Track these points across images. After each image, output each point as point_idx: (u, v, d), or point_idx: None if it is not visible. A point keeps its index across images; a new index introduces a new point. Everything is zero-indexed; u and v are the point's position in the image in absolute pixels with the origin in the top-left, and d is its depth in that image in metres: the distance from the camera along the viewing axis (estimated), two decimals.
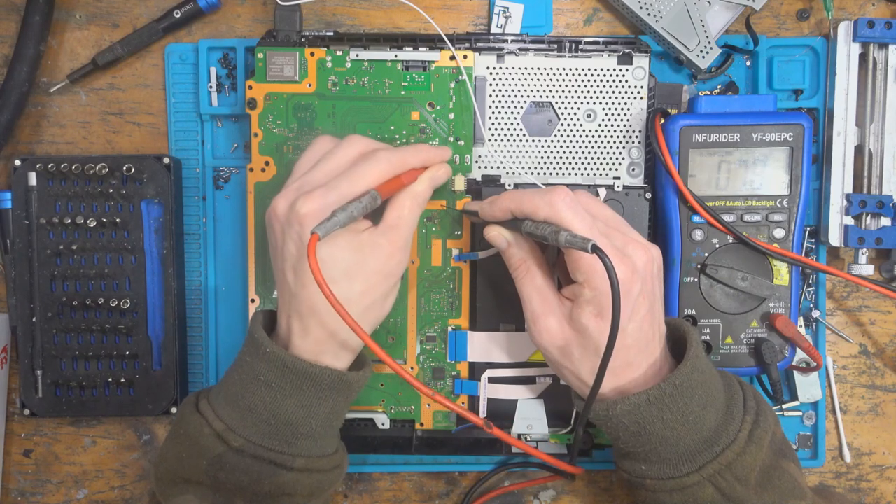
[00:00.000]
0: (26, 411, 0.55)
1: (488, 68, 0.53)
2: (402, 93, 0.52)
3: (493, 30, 0.55)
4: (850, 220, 0.54)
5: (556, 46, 0.53)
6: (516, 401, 0.54)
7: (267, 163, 0.52)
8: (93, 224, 0.54)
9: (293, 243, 0.44)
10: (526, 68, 0.53)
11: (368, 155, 0.46)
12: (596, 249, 0.38)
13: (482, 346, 0.53)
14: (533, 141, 0.53)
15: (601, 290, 0.42)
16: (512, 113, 0.53)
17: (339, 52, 0.52)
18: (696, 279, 0.52)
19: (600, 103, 0.53)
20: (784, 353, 0.52)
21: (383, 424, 0.55)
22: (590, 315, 0.43)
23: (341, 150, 0.46)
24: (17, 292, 0.55)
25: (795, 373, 0.56)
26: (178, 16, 0.55)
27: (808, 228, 0.56)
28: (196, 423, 0.45)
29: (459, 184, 0.52)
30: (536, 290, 0.45)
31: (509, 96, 0.53)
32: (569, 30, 0.57)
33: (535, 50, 0.53)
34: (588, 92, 0.53)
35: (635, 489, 0.46)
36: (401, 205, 0.46)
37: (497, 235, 0.46)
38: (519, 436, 0.55)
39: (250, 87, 0.52)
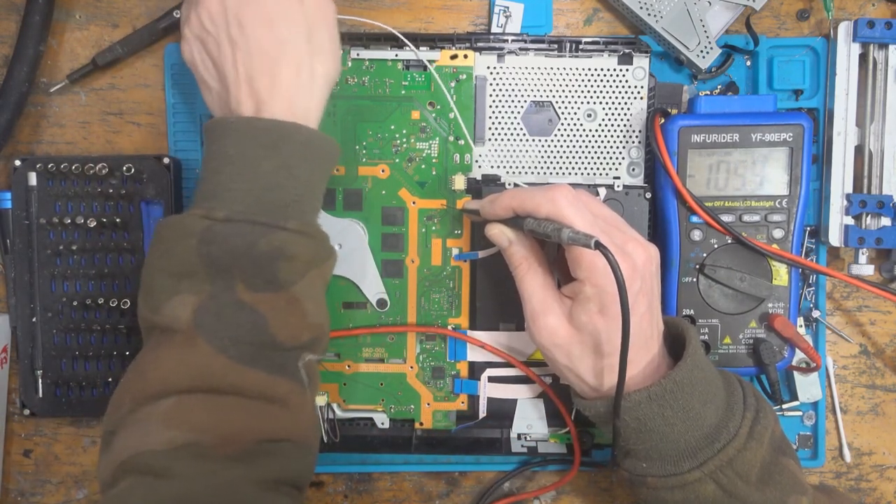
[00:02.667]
0: (26, 411, 0.55)
1: (488, 68, 0.53)
2: (403, 92, 0.53)
3: (494, 30, 0.55)
4: (850, 220, 0.54)
5: (556, 46, 0.53)
6: (516, 400, 0.54)
7: None
8: (93, 224, 0.54)
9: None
10: (526, 68, 0.53)
11: None
12: (599, 246, 0.38)
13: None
14: (533, 140, 0.53)
15: (602, 287, 0.42)
16: (512, 113, 0.53)
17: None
18: (694, 279, 0.52)
19: (600, 103, 0.53)
20: (783, 354, 0.52)
21: (383, 424, 0.55)
22: (590, 312, 0.43)
23: None
24: (17, 292, 0.55)
25: (795, 373, 0.56)
26: (178, 16, 0.55)
27: (809, 228, 0.56)
28: (177, 219, 0.43)
29: (459, 183, 0.52)
30: (537, 288, 0.45)
31: (509, 96, 0.53)
32: (569, 30, 0.57)
33: (536, 50, 0.53)
34: (588, 92, 0.53)
35: (636, 487, 0.47)
36: None
37: (499, 234, 0.46)
38: (519, 435, 0.55)
39: None
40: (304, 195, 0.44)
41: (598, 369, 0.44)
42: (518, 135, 0.53)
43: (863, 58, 0.54)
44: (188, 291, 0.42)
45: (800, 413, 0.57)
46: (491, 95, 0.53)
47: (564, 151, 0.54)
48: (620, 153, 0.54)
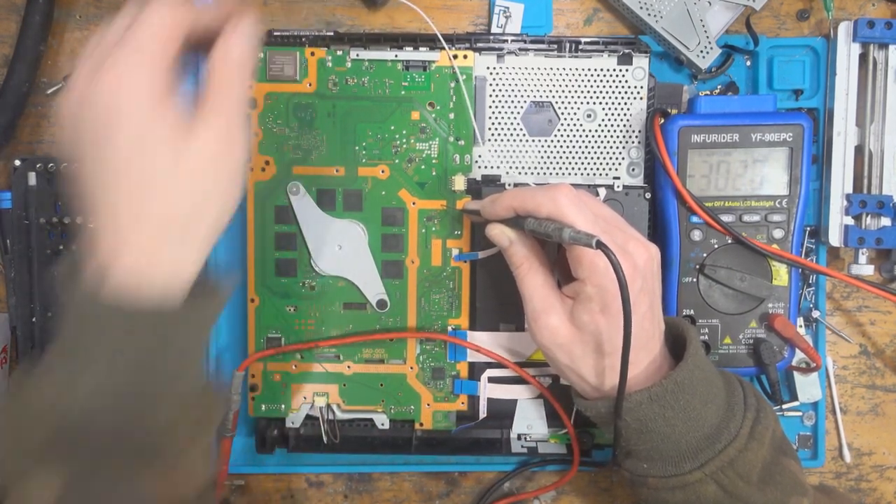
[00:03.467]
0: None
1: (488, 68, 0.53)
2: (403, 93, 0.53)
3: (494, 30, 0.55)
4: (850, 220, 0.54)
5: (556, 46, 0.53)
6: (516, 401, 0.54)
7: (267, 162, 0.53)
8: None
9: (89, 120, 0.35)
10: (526, 68, 0.53)
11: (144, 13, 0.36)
12: (600, 245, 0.38)
13: (482, 345, 0.53)
14: (533, 141, 0.53)
15: (603, 287, 0.42)
16: (512, 113, 0.53)
17: (339, 52, 0.52)
18: (694, 279, 0.52)
19: (600, 103, 0.53)
20: (783, 354, 0.52)
21: (383, 424, 0.55)
22: (592, 312, 0.43)
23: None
24: (16, 292, 0.55)
25: (795, 373, 0.56)
26: None
27: (808, 228, 0.56)
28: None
29: (459, 184, 0.52)
30: (538, 288, 0.45)
31: (509, 96, 0.53)
32: (569, 30, 0.57)
33: (535, 50, 0.53)
34: (588, 92, 0.53)
35: (637, 488, 0.47)
36: (217, 76, 0.37)
37: (499, 234, 0.46)
38: (519, 436, 0.55)
39: (250, 87, 0.52)
40: (180, 375, 0.37)
41: (600, 369, 0.44)
42: (518, 135, 0.53)
43: (863, 58, 0.54)
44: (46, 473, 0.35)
45: (800, 413, 0.57)
46: (491, 96, 0.53)
47: (564, 152, 0.54)
48: (620, 153, 0.54)
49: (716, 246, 0.51)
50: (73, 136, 0.36)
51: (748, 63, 0.56)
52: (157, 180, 0.35)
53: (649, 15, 0.54)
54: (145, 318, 0.34)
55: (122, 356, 0.34)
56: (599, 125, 0.53)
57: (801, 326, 0.55)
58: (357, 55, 0.52)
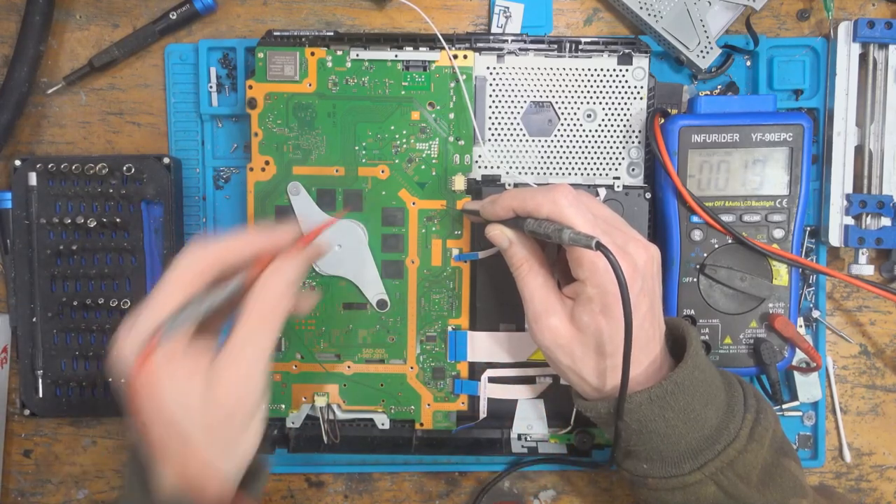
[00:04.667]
0: (26, 411, 0.55)
1: (488, 68, 0.53)
2: (403, 93, 0.52)
3: (494, 30, 0.55)
4: (850, 220, 0.54)
5: (556, 46, 0.53)
6: (516, 401, 0.54)
7: (267, 162, 0.53)
8: (93, 224, 0.54)
9: (124, 386, 0.39)
10: (526, 68, 0.53)
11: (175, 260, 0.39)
12: (600, 246, 0.38)
13: (482, 345, 0.53)
14: (533, 141, 0.53)
15: (604, 288, 0.42)
16: (512, 113, 0.53)
17: (339, 52, 0.52)
18: (695, 279, 0.52)
19: (600, 103, 0.53)
20: (783, 354, 0.52)
21: (383, 424, 0.55)
22: (593, 312, 0.43)
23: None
24: (17, 292, 0.55)
25: (795, 373, 0.56)
26: (175, 17, 0.55)
27: (809, 228, 0.56)
28: None
29: (459, 184, 0.52)
30: (538, 289, 0.45)
31: (509, 96, 0.53)
32: (569, 30, 0.57)
33: (535, 50, 0.53)
34: (588, 92, 0.53)
35: (637, 488, 0.47)
36: (244, 321, 0.39)
37: (499, 234, 0.46)
38: (519, 436, 0.55)
39: (250, 87, 0.52)
40: None
41: (601, 369, 0.44)
42: (518, 135, 0.53)
43: (863, 58, 0.54)
44: None
45: (800, 413, 0.57)
46: (491, 96, 0.53)
47: (564, 152, 0.54)
48: (620, 153, 0.53)
49: (716, 246, 0.51)
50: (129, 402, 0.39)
51: (748, 63, 0.56)
52: (175, 424, 0.38)
53: (649, 15, 0.54)
54: None
55: None
56: (599, 125, 0.53)
57: (801, 326, 0.55)
58: (357, 55, 0.52)
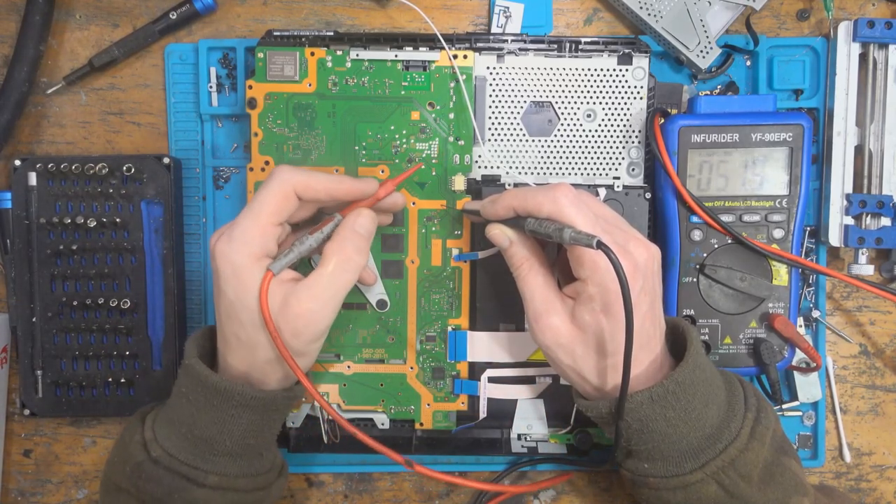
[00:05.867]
0: (26, 411, 0.55)
1: (488, 68, 0.53)
2: (402, 92, 0.53)
3: (494, 30, 0.55)
4: (850, 220, 0.54)
5: (556, 46, 0.53)
6: (516, 401, 0.54)
7: (267, 162, 0.53)
8: (93, 224, 0.54)
9: (214, 276, 0.45)
10: (526, 68, 0.53)
11: (268, 177, 0.46)
12: (601, 245, 0.38)
13: (482, 345, 0.53)
14: (533, 141, 0.53)
15: (605, 287, 0.42)
16: (512, 113, 0.53)
17: (339, 52, 0.52)
18: (694, 279, 0.52)
19: (600, 103, 0.53)
20: (783, 354, 0.52)
21: (383, 424, 0.55)
22: (594, 312, 0.43)
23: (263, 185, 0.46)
24: (17, 292, 0.55)
25: (795, 373, 0.56)
26: (175, 17, 0.55)
27: (808, 228, 0.56)
28: (131, 430, 0.47)
29: (459, 183, 0.52)
30: (538, 288, 0.45)
31: (509, 96, 0.53)
32: (569, 30, 0.57)
33: (535, 50, 0.53)
34: (588, 92, 0.53)
35: (638, 488, 0.46)
36: (329, 255, 0.45)
37: (499, 234, 0.46)
38: (519, 436, 0.55)
39: (250, 87, 0.52)
40: (235, 447, 0.45)
41: (602, 369, 0.44)
42: (518, 135, 0.53)
43: (863, 58, 0.54)
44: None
45: (800, 413, 0.57)
46: (491, 96, 0.53)
47: (564, 151, 0.54)
48: (620, 153, 0.54)
49: (716, 246, 0.51)
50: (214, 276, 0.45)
51: (748, 63, 0.56)
52: (255, 319, 0.44)
53: (649, 15, 0.54)
54: (231, 394, 0.44)
55: (206, 414, 0.44)
56: (599, 125, 0.53)
57: (801, 326, 0.55)
58: (357, 55, 0.52)
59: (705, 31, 0.53)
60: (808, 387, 0.56)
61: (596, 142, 0.53)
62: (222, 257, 0.44)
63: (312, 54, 0.52)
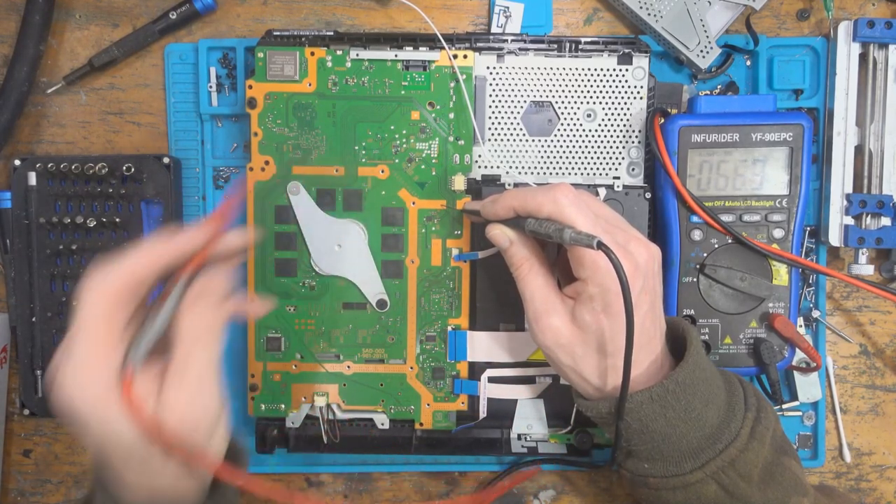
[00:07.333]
0: (26, 411, 0.55)
1: (488, 68, 0.53)
2: (402, 92, 0.52)
3: (494, 29, 0.55)
4: (850, 220, 0.54)
5: (556, 46, 0.53)
6: (516, 401, 0.54)
7: (267, 162, 0.52)
8: (93, 224, 0.54)
9: (71, 425, 0.37)
10: (526, 68, 0.53)
11: (81, 291, 0.37)
12: (601, 245, 0.38)
13: (482, 345, 0.53)
14: (533, 141, 0.53)
15: (605, 287, 0.42)
16: (512, 113, 0.53)
17: (339, 52, 0.52)
18: (694, 279, 0.52)
19: (600, 103, 0.53)
20: (783, 354, 0.52)
21: (383, 424, 0.55)
22: (594, 312, 0.43)
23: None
24: (16, 292, 0.55)
25: (795, 373, 0.56)
26: (175, 17, 0.55)
27: (808, 228, 0.56)
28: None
29: (459, 183, 0.52)
30: (539, 288, 0.45)
31: (509, 96, 0.53)
32: (569, 30, 0.57)
33: (535, 50, 0.53)
34: (588, 92, 0.53)
35: (638, 488, 0.46)
36: (182, 336, 0.37)
37: (499, 234, 0.46)
38: (519, 436, 0.55)
39: (250, 87, 0.52)
40: None
41: (602, 369, 0.44)
42: (518, 135, 0.53)
43: (863, 58, 0.54)
44: None
45: (800, 413, 0.57)
46: (491, 96, 0.53)
47: (564, 151, 0.54)
48: (620, 153, 0.53)
49: (716, 246, 0.51)
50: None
51: (748, 63, 0.56)
52: (133, 454, 0.36)
53: (649, 15, 0.54)
54: None
55: None
56: (599, 125, 0.53)
57: (801, 326, 0.55)
58: (357, 55, 0.52)
59: (705, 31, 0.53)
60: (808, 387, 0.56)
61: (596, 142, 0.53)
62: (72, 401, 0.35)
63: (312, 54, 0.52)
